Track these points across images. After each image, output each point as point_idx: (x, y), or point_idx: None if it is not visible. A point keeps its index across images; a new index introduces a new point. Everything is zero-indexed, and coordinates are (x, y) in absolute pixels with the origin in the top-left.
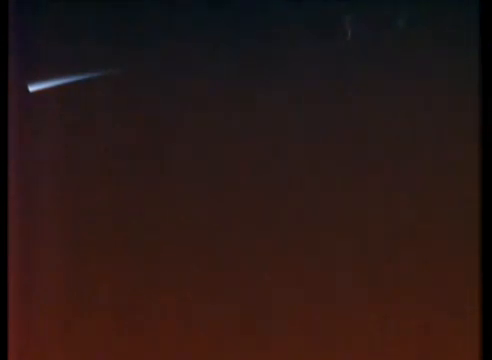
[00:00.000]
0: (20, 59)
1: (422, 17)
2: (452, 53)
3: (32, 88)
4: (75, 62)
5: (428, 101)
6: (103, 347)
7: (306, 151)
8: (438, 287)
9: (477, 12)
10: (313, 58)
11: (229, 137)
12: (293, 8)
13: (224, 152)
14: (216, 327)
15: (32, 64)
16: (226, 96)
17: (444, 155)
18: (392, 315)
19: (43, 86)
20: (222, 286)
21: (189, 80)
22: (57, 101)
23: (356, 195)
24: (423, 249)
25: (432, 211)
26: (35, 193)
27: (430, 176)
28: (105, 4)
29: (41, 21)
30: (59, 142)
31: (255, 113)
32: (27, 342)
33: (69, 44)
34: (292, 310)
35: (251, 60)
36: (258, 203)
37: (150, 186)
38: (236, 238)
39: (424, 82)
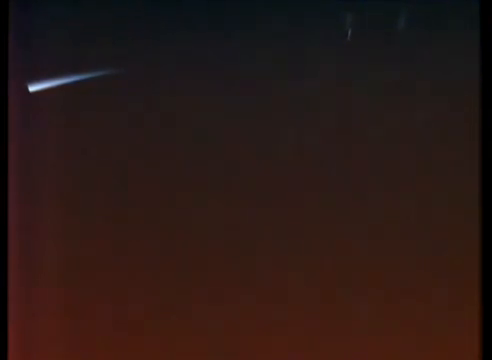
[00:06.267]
0: (20, 59)
1: (422, 17)
2: (452, 53)
3: (32, 88)
4: (75, 62)
5: (428, 101)
6: (104, 347)
7: (305, 151)
8: (438, 287)
9: (477, 12)
10: (313, 58)
11: (229, 136)
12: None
13: (225, 151)
14: (216, 327)
15: (32, 64)
16: (226, 95)
17: (444, 155)
18: (392, 315)
19: (43, 86)
20: (224, 287)
21: (190, 80)
22: (57, 101)
23: (356, 195)
24: (423, 249)
25: (432, 211)
26: (35, 193)
27: (430, 176)
28: (105, 4)
29: (41, 21)
30: (59, 142)
31: (256, 113)
32: (27, 342)
33: (69, 44)
34: (291, 310)
35: (251, 59)
36: (261, 202)
37: (151, 186)
38: (237, 238)
39: (424, 82)
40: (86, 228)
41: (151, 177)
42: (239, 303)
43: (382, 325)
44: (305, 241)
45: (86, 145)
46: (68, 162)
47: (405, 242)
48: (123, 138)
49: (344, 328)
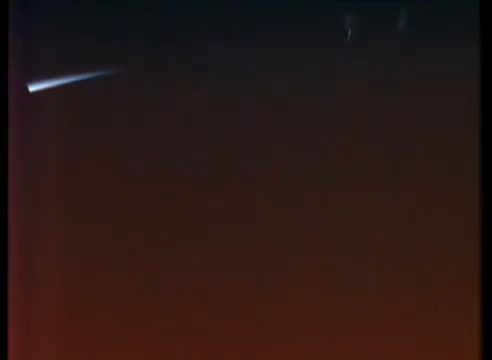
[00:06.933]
0: (20, 59)
1: (422, 17)
2: (452, 53)
3: (32, 88)
4: (75, 62)
5: (428, 101)
6: (104, 347)
7: (304, 152)
8: (438, 286)
9: (477, 12)
10: (313, 58)
11: (230, 136)
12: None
13: (225, 151)
14: (216, 328)
15: (32, 64)
16: (226, 96)
17: (444, 155)
18: (392, 315)
19: (43, 86)
20: (224, 287)
21: (190, 79)
22: (57, 101)
23: (355, 195)
24: (423, 249)
25: (432, 211)
26: (35, 193)
27: (430, 176)
28: (105, 4)
29: (41, 21)
30: (59, 142)
31: (256, 113)
32: (27, 342)
33: (69, 44)
34: (291, 310)
35: (251, 59)
36: (261, 202)
37: (151, 185)
38: (237, 238)
39: (424, 82)
40: (86, 228)
41: (151, 177)
42: (239, 303)
43: (382, 325)
44: (304, 241)
45: (86, 145)
46: (68, 162)
47: (405, 242)
48: (123, 138)
49: (344, 328)
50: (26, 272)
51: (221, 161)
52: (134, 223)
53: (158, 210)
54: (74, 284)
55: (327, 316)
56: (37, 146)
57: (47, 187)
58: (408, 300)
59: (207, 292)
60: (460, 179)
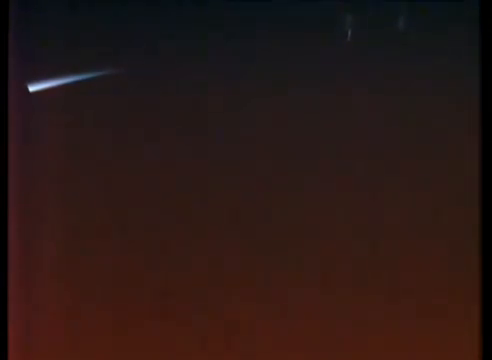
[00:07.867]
0: (20, 59)
1: (422, 17)
2: (452, 53)
3: (32, 88)
4: (75, 62)
5: (428, 101)
6: (104, 347)
7: (305, 152)
8: (438, 287)
9: (477, 12)
10: (313, 58)
11: (230, 136)
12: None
13: (225, 150)
14: (216, 329)
15: (32, 64)
16: (226, 96)
17: (444, 155)
18: (392, 315)
19: (43, 86)
20: (224, 289)
21: (190, 80)
22: (57, 101)
23: (355, 195)
24: (423, 249)
25: (432, 210)
26: (35, 194)
27: (430, 176)
28: (105, 4)
29: (41, 21)
30: (59, 142)
31: (255, 113)
32: (27, 342)
33: (69, 44)
34: (289, 311)
35: (251, 59)
36: (261, 202)
37: (151, 186)
38: (237, 238)
39: (424, 82)
40: (86, 228)
41: (151, 177)
42: (238, 304)
43: (382, 325)
44: (304, 241)
45: (86, 145)
46: (68, 162)
47: (405, 242)
48: (123, 138)
49: (344, 328)
50: (26, 272)
51: (221, 161)
52: (135, 223)
53: (158, 210)
54: (74, 284)
55: (327, 316)
56: (37, 146)
57: (47, 187)
58: (408, 300)
59: (207, 292)
60: (460, 179)
